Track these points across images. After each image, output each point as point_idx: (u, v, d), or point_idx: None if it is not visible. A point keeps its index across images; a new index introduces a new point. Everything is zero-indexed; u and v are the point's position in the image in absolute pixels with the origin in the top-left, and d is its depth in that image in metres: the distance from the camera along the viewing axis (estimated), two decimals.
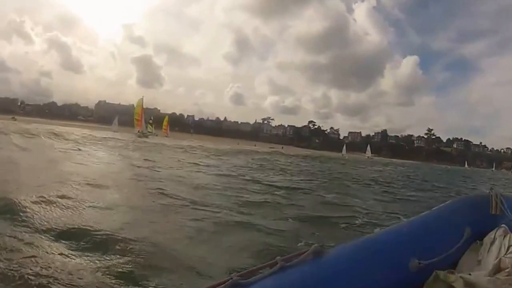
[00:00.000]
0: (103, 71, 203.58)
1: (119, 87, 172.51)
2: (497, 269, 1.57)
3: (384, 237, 1.81)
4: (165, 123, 77.39)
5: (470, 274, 1.57)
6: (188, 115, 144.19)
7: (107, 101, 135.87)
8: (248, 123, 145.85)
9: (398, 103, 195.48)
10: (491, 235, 1.88)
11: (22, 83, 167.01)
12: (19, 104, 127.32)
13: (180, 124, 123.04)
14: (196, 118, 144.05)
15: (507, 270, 1.54)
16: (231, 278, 1.33)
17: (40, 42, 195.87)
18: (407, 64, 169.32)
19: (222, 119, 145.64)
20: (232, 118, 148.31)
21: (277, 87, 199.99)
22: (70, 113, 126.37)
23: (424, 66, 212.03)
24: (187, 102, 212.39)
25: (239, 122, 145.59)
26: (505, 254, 1.69)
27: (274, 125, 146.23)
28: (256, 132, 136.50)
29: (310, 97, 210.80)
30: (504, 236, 1.81)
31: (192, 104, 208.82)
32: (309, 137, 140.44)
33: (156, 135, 63.21)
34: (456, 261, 1.83)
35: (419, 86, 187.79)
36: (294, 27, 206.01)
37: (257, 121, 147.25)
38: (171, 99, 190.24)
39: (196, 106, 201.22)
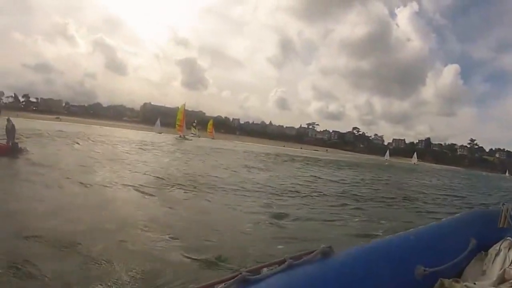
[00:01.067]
0: (148, 73, 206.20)
1: (164, 89, 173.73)
2: (502, 279, 1.63)
3: (391, 243, 1.83)
4: (210, 126, 79.43)
5: (475, 284, 1.65)
6: (233, 118, 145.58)
7: (152, 103, 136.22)
8: (293, 127, 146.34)
9: (440, 113, 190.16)
10: (496, 246, 1.97)
11: (67, 84, 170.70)
12: (63, 104, 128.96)
13: (226, 127, 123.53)
14: (242, 122, 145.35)
15: (511, 281, 1.59)
16: (240, 273, 1.35)
17: (84, 44, 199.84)
18: (448, 73, 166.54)
19: (267, 123, 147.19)
20: (277, 122, 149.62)
21: (320, 92, 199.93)
22: (115, 114, 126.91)
23: (465, 76, 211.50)
24: (232, 105, 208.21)
25: (284, 126, 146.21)
26: (510, 265, 1.75)
27: (318, 130, 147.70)
28: (301, 136, 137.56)
29: (354, 104, 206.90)
30: (509, 248, 1.88)
31: (238, 107, 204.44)
32: (353, 142, 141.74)
33: (199, 137, 66.09)
34: (461, 270, 1.90)
35: (460, 96, 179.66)
36: (337, 31, 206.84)
37: (302, 125, 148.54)
38: (216, 102, 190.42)
39: (242, 109, 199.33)
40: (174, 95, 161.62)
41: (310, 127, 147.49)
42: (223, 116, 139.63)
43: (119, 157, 18.63)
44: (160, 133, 62.52)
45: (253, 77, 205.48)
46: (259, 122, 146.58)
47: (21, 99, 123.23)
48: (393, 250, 1.76)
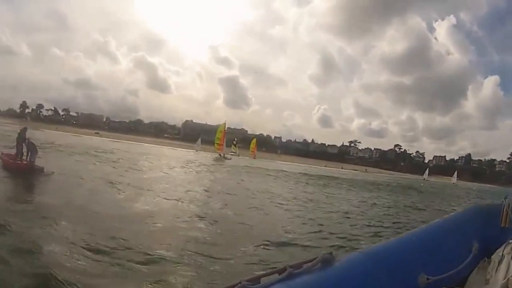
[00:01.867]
0: (190, 91, 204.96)
1: (207, 107, 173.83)
2: None
3: (393, 248, 1.80)
4: (252, 145, 78.75)
5: None
6: (275, 136, 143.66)
7: (194, 121, 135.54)
8: (335, 146, 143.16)
9: (481, 126, 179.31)
10: (499, 252, 1.94)
11: (108, 100, 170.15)
12: (104, 120, 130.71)
13: (268, 145, 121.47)
14: (284, 140, 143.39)
15: None
16: (240, 283, 1.34)
17: (126, 61, 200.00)
18: (489, 85, 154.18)
19: (309, 140, 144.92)
20: (319, 140, 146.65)
21: (363, 109, 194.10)
22: (157, 130, 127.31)
23: (505, 87, 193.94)
24: (275, 123, 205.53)
25: (326, 144, 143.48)
26: None
27: (360, 148, 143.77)
28: (342, 154, 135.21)
29: (396, 120, 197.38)
30: None
31: (281, 125, 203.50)
32: (395, 160, 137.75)
33: (238, 155, 65.05)
34: (464, 278, 1.89)
35: (501, 109, 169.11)
36: (378, 47, 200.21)
37: (344, 143, 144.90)
38: (258, 120, 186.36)
39: (285, 127, 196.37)
40: (217, 113, 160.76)
41: (352, 145, 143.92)
42: (265, 134, 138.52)
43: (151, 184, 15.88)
44: (200, 151, 61.19)
45: (296, 95, 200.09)
46: (301, 140, 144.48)
47: (61, 113, 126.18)
48: (395, 257, 1.71)
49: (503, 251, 1.90)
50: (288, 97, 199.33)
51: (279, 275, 1.41)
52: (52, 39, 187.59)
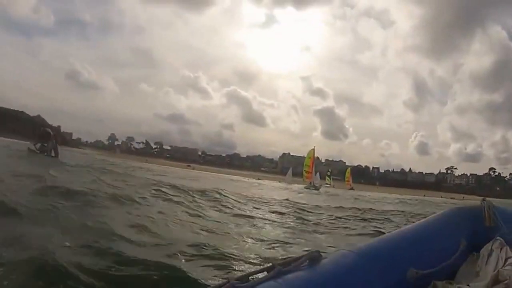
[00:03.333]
0: (286, 124, 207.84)
1: (304, 139, 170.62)
2: (495, 281, 1.60)
3: (381, 245, 1.82)
4: (347, 175, 76.10)
5: (468, 286, 1.65)
6: (373, 167, 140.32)
7: (291, 154, 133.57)
8: (432, 174, 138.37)
9: None
10: (488, 246, 1.95)
11: (204, 134, 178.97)
12: (199, 153, 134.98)
13: (366, 176, 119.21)
14: (382, 170, 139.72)
15: (505, 282, 1.57)
16: (228, 281, 1.33)
17: (218, 96, 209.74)
18: None
19: (406, 170, 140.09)
20: (416, 168, 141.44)
21: (458, 132, 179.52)
22: (253, 164, 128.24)
23: None
24: (373, 153, 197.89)
25: (424, 173, 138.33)
26: (503, 266, 1.73)
27: (457, 175, 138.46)
28: (439, 183, 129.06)
29: (490, 142, 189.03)
30: (501, 249, 1.87)
31: (378, 155, 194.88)
32: (490, 185, 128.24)
33: (333, 187, 62.37)
34: (453, 272, 1.89)
35: None
36: (466, 64, 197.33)
37: (440, 171, 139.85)
38: (356, 151, 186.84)
39: (383, 157, 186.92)
40: (315, 145, 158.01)
41: (449, 171, 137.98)
42: (363, 165, 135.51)
43: None
44: (291, 183, 57.23)
45: (392, 122, 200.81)
46: (398, 170, 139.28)
47: (153, 146, 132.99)
48: (383, 253, 1.72)
49: (491, 246, 1.92)
50: (384, 125, 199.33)
51: (267, 273, 1.40)
52: (139, 75, 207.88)
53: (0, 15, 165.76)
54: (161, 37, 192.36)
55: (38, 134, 19.82)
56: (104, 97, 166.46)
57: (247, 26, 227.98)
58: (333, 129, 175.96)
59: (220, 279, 2.26)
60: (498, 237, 1.95)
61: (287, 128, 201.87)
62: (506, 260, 1.77)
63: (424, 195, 72.66)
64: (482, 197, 2.37)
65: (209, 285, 1.47)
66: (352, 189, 61.83)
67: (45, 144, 18.75)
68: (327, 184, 64.32)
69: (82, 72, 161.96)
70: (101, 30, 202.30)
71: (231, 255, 4.55)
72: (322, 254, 1.57)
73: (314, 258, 1.52)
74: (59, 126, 19.32)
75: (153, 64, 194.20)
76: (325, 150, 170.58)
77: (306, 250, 4.21)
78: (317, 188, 46.97)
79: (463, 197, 77.05)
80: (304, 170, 54.64)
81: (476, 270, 1.86)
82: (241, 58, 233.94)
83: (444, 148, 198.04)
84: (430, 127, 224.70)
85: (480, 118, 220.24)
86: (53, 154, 18.50)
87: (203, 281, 3.37)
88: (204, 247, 4.70)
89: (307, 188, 43.44)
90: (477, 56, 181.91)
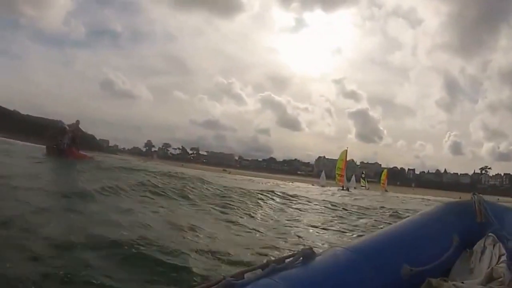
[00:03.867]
0: (321, 127, 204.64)
1: (339, 142, 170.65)
2: (490, 278, 1.59)
3: (375, 242, 1.82)
4: (383, 177, 73.32)
5: (463, 283, 1.61)
6: (409, 169, 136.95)
7: (326, 157, 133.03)
8: (467, 174, 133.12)
9: None
10: (480, 243, 1.95)
11: (239, 140, 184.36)
12: (236, 158, 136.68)
13: (401, 178, 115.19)
14: (417, 171, 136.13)
15: (500, 279, 1.55)
16: (224, 279, 1.35)
17: (252, 101, 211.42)
18: None
19: (442, 170, 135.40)
20: (451, 169, 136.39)
21: (490, 131, 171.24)
22: (290, 168, 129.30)
23: None
24: (407, 155, 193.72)
25: (459, 174, 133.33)
26: (497, 263, 1.73)
27: (491, 175, 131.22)
28: (474, 184, 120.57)
29: None
30: (494, 245, 1.87)
31: (413, 157, 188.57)
32: None
33: (368, 189, 60.84)
34: (447, 269, 1.89)
35: None
36: (495, 60, 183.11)
37: (475, 171, 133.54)
38: (392, 153, 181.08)
39: (418, 159, 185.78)
40: (350, 148, 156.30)
41: (483, 172, 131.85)
42: (398, 167, 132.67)
43: None
44: (325, 186, 56.57)
45: (425, 123, 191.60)
46: (433, 171, 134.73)
47: (190, 152, 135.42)
48: (377, 250, 1.71)
49: (484, 243, 1.91)
50: (417, 126, 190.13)
51: (262, 270, 1.42)
52: (172, 82, 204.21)
53: (32, 28, 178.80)
54: (193, 44, 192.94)
55: (51, 133, 19.22)
56: (140, 105, 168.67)
57: (277, 31, 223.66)
58: (368, 131, 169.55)
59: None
60: (490, 234, 1.96)
61: (322, 132, 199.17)
62: (499, 257, 1.75)
63: (460, 197, 69.57)
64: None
65: (205, 282, 1.52)
66: (386, 191, 61.69)
67: (61, 140, 17.79)
68: (362, 186, 64.14)
69: (116, 81, 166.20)
70: (133, 39, 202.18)
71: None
72: (316, 251, 1.60)
73: (307, 255, 1.53)
74: (77, 121, 19.09)
75: (186, 71, 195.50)
76: (360, 153, 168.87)
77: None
78: (348, 190, 47.96)
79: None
80: (337, 173, 54.09)
81: (470, 267, 1.85)
82: (273, 63, 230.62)
83: (477, 147, 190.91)
84: (462, 126, 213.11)
85: (510, 114, 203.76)
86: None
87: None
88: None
89: (339, 190, 44.28)
90: (505, 52, 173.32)
